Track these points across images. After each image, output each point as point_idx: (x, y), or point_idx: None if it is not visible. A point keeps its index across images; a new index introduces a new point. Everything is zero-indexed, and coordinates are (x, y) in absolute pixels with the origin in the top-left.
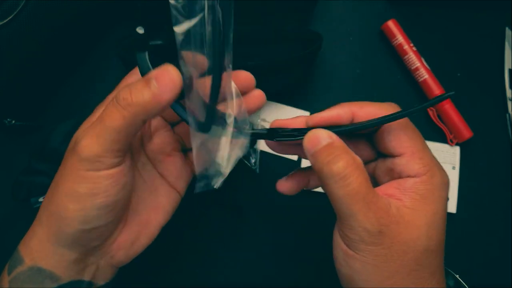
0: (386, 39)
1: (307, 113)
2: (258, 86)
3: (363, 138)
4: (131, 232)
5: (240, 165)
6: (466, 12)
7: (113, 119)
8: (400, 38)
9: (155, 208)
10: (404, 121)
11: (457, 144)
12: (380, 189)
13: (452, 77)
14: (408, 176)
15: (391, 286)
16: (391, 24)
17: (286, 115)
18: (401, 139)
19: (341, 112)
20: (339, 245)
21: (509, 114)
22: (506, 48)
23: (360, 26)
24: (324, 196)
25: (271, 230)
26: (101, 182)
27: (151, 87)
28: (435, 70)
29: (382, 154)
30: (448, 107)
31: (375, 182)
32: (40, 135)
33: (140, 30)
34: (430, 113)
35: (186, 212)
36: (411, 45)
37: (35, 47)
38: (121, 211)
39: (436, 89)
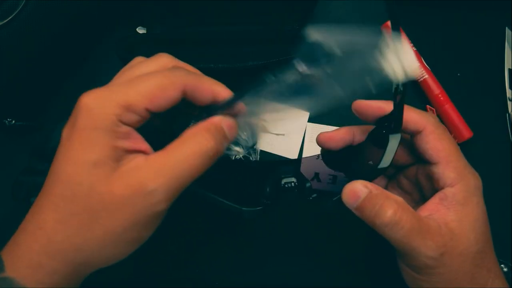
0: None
1: (307, 114)
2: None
3: (401, 142)
4: None
5: (240, 164)
6: (466, 12)
7: (197, 169)
8: None
9: None
10: (440, 130)
11: (457, 144)
12: (426, 207)
13: (452, 77)
14: (445, 185)
15: None
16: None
17: (285, 115)
18: (437, 147)
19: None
20: (407, 272)
21: (509, 114)
22: (506, 48)
23: (360, 26)
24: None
25: (271, 230)
26: (159, 224)
27: (226, 132)
28: (435, 70)
29: (421, 159)
30: (448, 107)
31: (419, 186)
32: (40, 135)
33: (140, 30)
34: (430, 112)
35: (186, 212)
36: (411, 45)
37: (35, 47)
38: None
39: (436, 89)
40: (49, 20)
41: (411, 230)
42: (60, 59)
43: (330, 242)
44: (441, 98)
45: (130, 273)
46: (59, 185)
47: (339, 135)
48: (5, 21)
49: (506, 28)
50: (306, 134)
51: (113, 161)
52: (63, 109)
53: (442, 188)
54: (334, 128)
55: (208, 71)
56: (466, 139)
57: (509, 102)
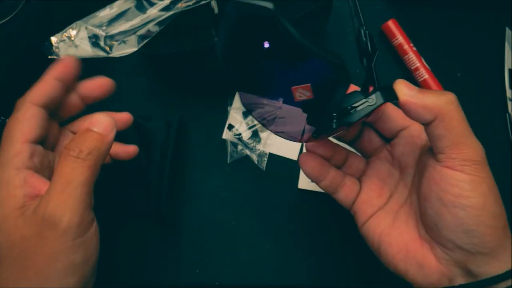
0: (386, 39)
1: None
2: None
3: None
4: None
5: (246, 164)
6: (466, 12)
7: (80, 174)
8: (400, 38)
9: None
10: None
11: None
12: None
13: (452, 77)
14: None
15: (493, 201)
16: (391, 24)
17: (285, 114)
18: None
19: None
20: (452, 174)
21: (509, 114)
22: (506, 48)
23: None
24: (327, 196)
25: (271, 230)
26: (91, 243)
27: (96, 131)
28: (435, 70)
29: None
30: None
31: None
32: None
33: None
34: None
35: (185, 212)
36: (411, 45)
37: (35, 47)
38: None
39: (436, 89)
40: (49, 20)
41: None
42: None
43: (331, 242)
44: None
45: (130, 273)
46: None
47: None
48: (5, 20)
49: (506, 28)
50: None
51: (17, 211)
52: None
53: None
54: None
55: None
56: None
57: (509, 102)
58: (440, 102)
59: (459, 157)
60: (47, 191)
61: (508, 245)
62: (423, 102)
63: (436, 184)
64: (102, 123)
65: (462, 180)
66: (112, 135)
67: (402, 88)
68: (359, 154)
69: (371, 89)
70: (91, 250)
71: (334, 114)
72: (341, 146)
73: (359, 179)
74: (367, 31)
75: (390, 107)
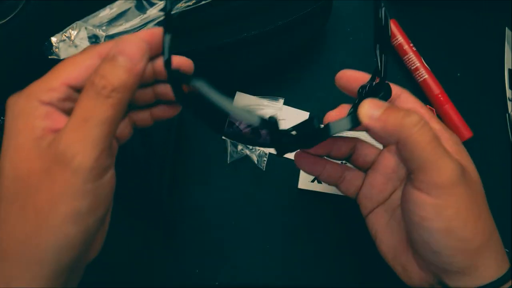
0: None
1: (306, 114)
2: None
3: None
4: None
5: (246, 164)
6: (466, 12)
7: (101, 113)
8: (400, 38)
9: None
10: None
11: None
12: None
13: (452, 77)
14: None
15: (482, 226)
16: (391, 24)
17: (285, 115)
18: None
19: None
20: (417, 198)
21: (509, 114)
22: (506, 48)
23: (360, 26)
24: (327, 196)
25: (271, 229)
26: (102, 193)
27: (121, 63)
28: (435, 70)
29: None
30: (448, 107)
31: None
32: None
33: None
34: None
35: (184, 211)
36: (411, 45)
37: (34, 47)
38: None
39: (436, 89)
40: (49, 20)
41: (437, 137)
42: (58, 60)
43: (331, 242)
44: (441, 98)
45: (130, 273)
46: None
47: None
48: (5, 20)
49: (506, 28)
50: None
51: (33, 141)
52: None
53: None
54: None
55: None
56: (466, 139)
57: (509, 102)
58: (400, 127)
59: (425, 180)
60: (64, 126)
61: (481, 263)
62: (383, 126)
63: (406, 202)
64: (130, 50)
65: (427, 203)
66: (142, 64)
67: (366, 111)
68: (371, 143)
69: (377, 80)
70: (100, 200)
71: (293, 133)
72: (347, 138)
73: (366, 171)
74: (384, 8)
75: (402, 100)
